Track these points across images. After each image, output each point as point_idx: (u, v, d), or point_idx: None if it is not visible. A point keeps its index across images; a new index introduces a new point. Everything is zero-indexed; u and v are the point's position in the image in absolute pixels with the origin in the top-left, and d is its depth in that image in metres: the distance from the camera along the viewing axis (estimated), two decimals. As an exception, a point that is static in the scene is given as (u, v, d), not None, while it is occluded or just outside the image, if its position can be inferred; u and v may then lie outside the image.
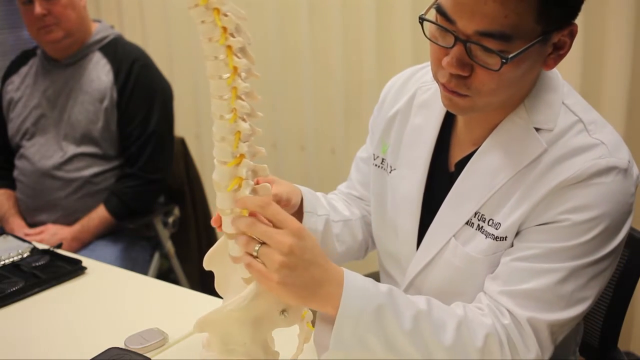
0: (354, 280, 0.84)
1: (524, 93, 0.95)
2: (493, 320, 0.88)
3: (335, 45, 2.31)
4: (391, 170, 1.12)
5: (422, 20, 0.90)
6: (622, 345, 1.23)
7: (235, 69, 0.79)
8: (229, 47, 0.78)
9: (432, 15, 0.89)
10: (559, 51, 0.89)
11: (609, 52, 1.85)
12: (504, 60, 0.83)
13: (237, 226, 0.81)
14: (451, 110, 0.95)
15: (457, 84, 0.88)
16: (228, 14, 0.77)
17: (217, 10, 0.75)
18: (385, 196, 1.13)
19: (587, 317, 1.15)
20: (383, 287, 0.85)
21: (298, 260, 0.80)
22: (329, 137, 2.44)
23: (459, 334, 0.85)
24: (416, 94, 1.10)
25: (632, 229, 1.15)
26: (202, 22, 0.76)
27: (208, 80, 0.79)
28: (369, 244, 1.24)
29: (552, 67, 0.91)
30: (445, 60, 0.87)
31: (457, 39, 0.85)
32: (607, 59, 1.86)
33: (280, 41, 2.43)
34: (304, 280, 0.81)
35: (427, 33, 0.91)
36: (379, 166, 1.15)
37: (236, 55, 0.79)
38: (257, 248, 0.80)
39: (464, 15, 0.83)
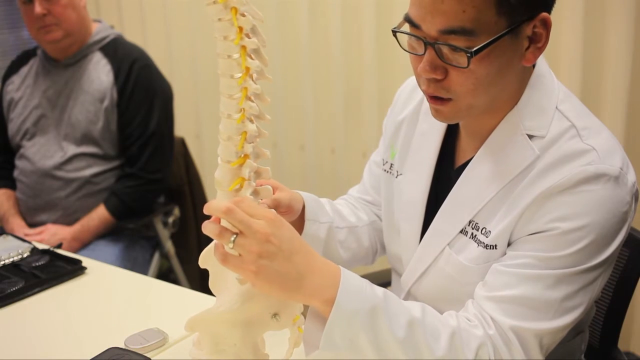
0: (350, 279, 0.82)
1: (512, 94, 0.93)
2: (483, 331, 0.86)
3: (335, 45, 2.31)
4: (397, 175, 1.12)
5: (395, 32, 0.91)
6: (622, 345, 1.22)
7: (247, 69, 0.79)
8: (244, 47, 0.78)
9: (405, 28, 0.90)
10: (537, 44, 0.88)
11: (609, 52, 1.85)
12: (469, 55, 0.83)
13: (215, 211, 0.77)
14: (440, 120, 0.94)
15: (435, 88, 0.89)
16: (246, 14, 0.76)
17: (235, 9, 0.75)
18: (392, 201, 1.13)
19: (587, 317, 1.15)
20: (379, 290, 0.84)
21: (276, 249, 0.77)
22: (329, 136, 2.44)
23: (452, 344, 0.83)
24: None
25: (632, 229, 1.15)
26: (219, 19, 0.76)
27: (219, 78, 0.79)
28: (377, 250, 1.23)
29: (532, 62, 0.90)
30: (420, 67, 0.88)
31: (425, 43, 0.86)
32: (607, 59, 1.86)
33: (280, 41, 2.43)
34: (285, 270, 0.78)
35: (403, 45, 0.92)
36: (387, 171, 1.15)
37: (249, 56, 0.79)
38: (232, 239, 0.77)
39: (426, 17, 0.85)
